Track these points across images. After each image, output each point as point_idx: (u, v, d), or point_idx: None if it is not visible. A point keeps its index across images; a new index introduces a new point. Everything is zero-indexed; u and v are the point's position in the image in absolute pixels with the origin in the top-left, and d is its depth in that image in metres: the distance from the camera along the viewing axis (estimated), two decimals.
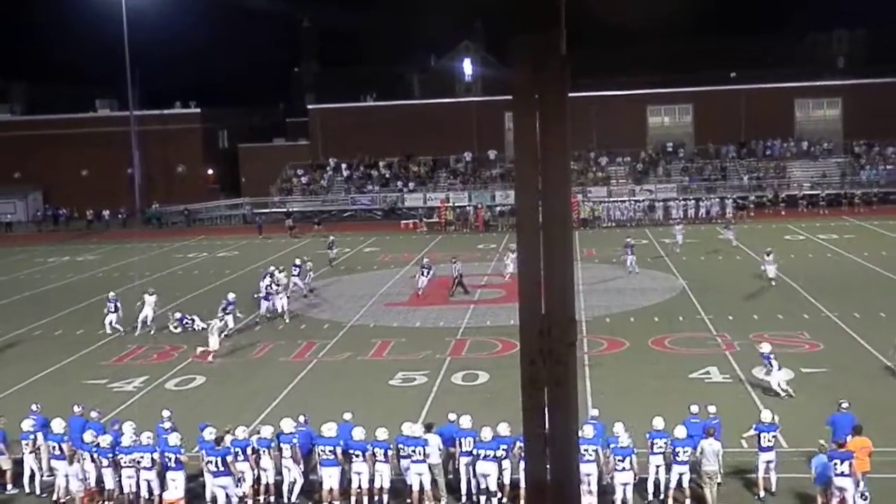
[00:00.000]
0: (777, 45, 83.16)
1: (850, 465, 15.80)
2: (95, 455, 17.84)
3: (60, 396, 23.74)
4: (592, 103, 67.18)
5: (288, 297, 34.72)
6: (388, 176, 74.07)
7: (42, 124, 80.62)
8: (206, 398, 24.82)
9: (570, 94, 3.41)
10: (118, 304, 32.83)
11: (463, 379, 25.83)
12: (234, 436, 18.04)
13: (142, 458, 17.61)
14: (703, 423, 17.66)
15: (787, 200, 64.52)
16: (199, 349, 29.08)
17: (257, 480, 18.05)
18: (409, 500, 17.42)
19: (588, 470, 16.53)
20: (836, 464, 15.85)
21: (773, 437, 17.29)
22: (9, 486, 19.12)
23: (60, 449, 18.43)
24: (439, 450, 17.56)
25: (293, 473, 17.80)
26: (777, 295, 35.25)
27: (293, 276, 37.87)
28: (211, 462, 17.38)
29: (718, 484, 16.99)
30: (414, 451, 17.32)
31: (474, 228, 61.24)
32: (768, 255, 37.20)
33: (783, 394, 22.38)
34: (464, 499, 17.60)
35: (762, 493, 17.06)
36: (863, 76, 75.23)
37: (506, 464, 17.26)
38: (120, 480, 17.73)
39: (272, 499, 17.91)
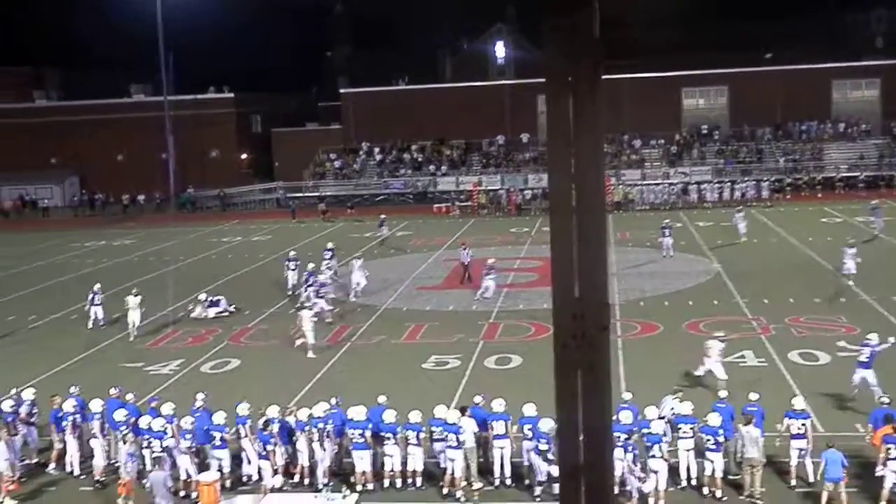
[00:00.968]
0: (814, 26, 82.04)
1: None
2: (129, 435, 18.03)
3: (98, 379, 24.02)
4: (626, 85, 66.71)
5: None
6: (420, 160, 74.03)
7: (78, 110, 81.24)
8: (241, 381, 25.00)
9: (604, 77, 3.39)
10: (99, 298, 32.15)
11: (496, 363, 25.85)
12: (267, 416, 18.24)
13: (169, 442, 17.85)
14: (729, 409, 17.54)
15: (823, 183, 63.81)
16: (298, 341, 27.77)
17: (292, 462, 18.20)
18: (441, 484, 17.48)
19: (621, 455, 16.52)
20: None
21: (803, 424, 17.10)
22: (51, 466, 19.38)
23: (101, 429, 18.73)
24: (473, 434, 17.59)
25: (324, 455, 17.89)
26: (814, 278, 34.91)
27: (326, 260, 37.40)
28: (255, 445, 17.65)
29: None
30: (447, 436, 17.35)
31: (507, 212, 61.11)
32: (851, 247, 33.50)
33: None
34: (496, 482, 17.62)
35: (794, 482, 16.91)
36: None
37: (531, 445, 17.26)
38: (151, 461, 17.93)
39: (306, 480, 18.04)
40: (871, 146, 69.57)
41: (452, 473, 17.28)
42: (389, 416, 17.89)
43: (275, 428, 17.99)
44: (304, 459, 18.09)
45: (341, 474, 18.15)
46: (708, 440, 16.75)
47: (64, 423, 19.17)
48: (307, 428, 18.01)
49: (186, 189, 74.77)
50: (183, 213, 70.15)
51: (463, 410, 18.03)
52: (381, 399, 18.85)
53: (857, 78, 74.26)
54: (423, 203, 66.72)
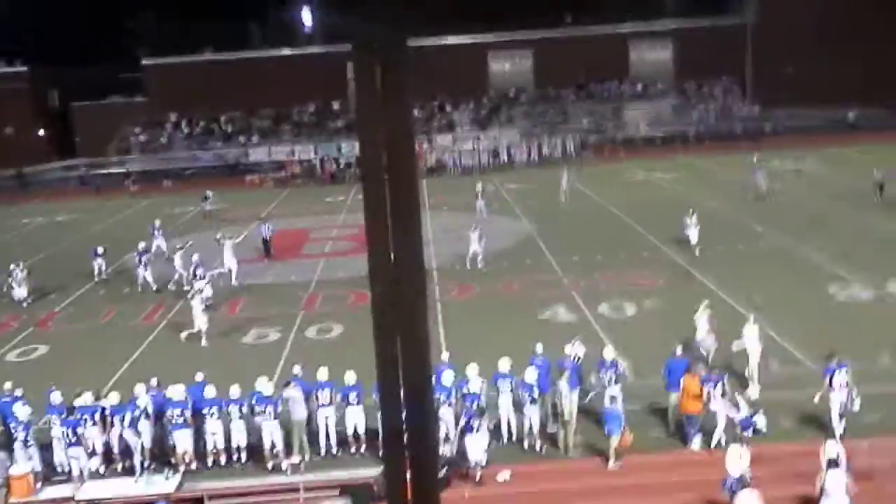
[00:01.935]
0: None
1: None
2: None
3: None
4: (434, 51, 67.25)
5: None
6: (230, 131, 72.53)
7: None
8: (50, 368, 23.96)
9: (411, 43, 3.41)
10: None
11: (317, 332, 25.79)
12: (83, 403, 17.56)
13: None
14: (545, 364, 18.07)
15: (624, 142, 66.51)
16: (184, 334, 26.00)
17: (108, 448, 17.64)
18: (264, 460, 17.32)
19: (446, 416, 16.85)
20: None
21: (615, 373, 17.78)
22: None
23: None
24: (303, 404, 17.50)
25: (141, 439, 17.41)
26: (618, 234, 36.40)
27: (154, 238, 36.39)
28: (63, 432, 16.89)
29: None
30: (267, 409, 17.21)
31: (321, 181, 60.77)
32: (692, 216, 32.28)
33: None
34: (323, 452, 17.63)
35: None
36: (692, 18, 77.64)
37: (357, 411, 17.41)
38: None
39: (127, 465, 17.52)
40: (666, 105, 72.95)
41: (273, 447, 17.18)
42: (211, 392, 17.59)
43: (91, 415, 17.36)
44: (121, 443, 17.55)
45: (162, 456, 17.72)
46: (524, 395, 17.25)
47: None
48: (125, 413, 17.48)
49: None
50: None
51: (287, 384, 17.91)
52: (199, 376, 18.50)
53: (652, 40, 77.55)
54: (235, 175, 65.42)
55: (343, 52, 68.76)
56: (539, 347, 18.69)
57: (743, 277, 27.79)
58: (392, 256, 3.45)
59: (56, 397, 17.86)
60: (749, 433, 15.92)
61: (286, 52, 79.11)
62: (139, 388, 18.00)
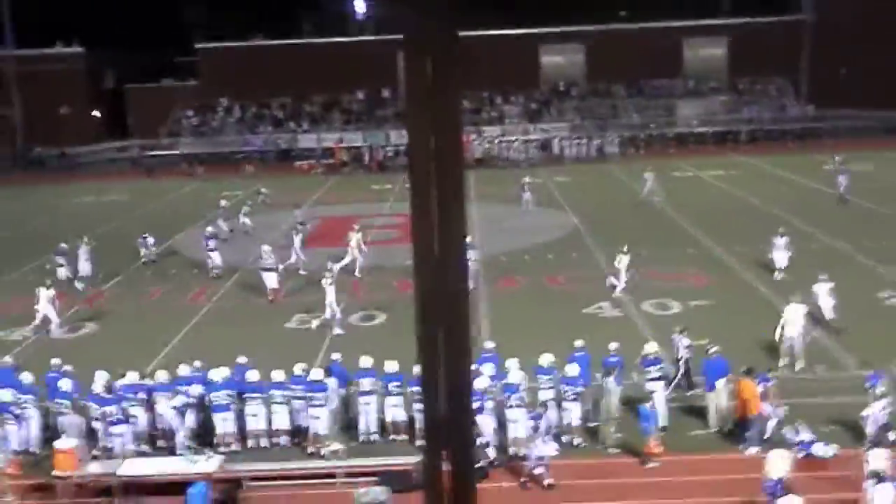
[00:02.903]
0: None
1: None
2: None
3: None
4: (485, 42, 67.08)
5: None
6: (280, 117, 72.98)
7: None
8: (97, 346, 24.31)
9: (462, 34, 3.42)
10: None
11: (361, 320, 25.89)
12: (129, 381, 17.82)
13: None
14: (586, 357, 17.98)
15: (675, 138, 65.96)
16: (315, 323, 25.34)
17: (153, 425, 17.88)
18: (304, 443, 17.44)
19: (489, 406, 16.83)
20: None
21: (660, 368, 17.70)
22: None
23: None
24: (337, 393, 17.62)
25: (184, 419, 17.63)
26: (666, 231, 36.12)
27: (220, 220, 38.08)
28: (107, 410, 17.14)
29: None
30: (310, 395, 17.31)
31: (369, 169, 60.95)
32: (781, 237, 28.52)
33: None
34: (362, 437, 17.72)
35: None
36: (747, 15, 76.73)
37: (398, 400, 17.48)
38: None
39: (169, 444, 17.74)
40: (718, 103, 72.12)
41: (316, 432, 17.27)
42: (253, 376, 17.76)
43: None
44: (164, 422, 17.78)
45: (203, 435, 17.92)
46: (566, 391, 17.18)
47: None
48: (168, 391, 17.72)
49: (34, 148, 71.65)
50: (31, 173, 67.25)
51: (327, 371, 18.01)
52: (242, 360, 18.67)
53: (706, 36, 76.67)
54: (286, 161, 65.85)
55: (393, 41, 68.88)
56: (579, 342, 18.62)
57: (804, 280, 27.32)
58: (436, 247, 3.47)
59: (101, 376, 18.08)
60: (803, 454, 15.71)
61: (337, 39, 79.27)
62: (183, 369, 18.25)
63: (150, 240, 34.28)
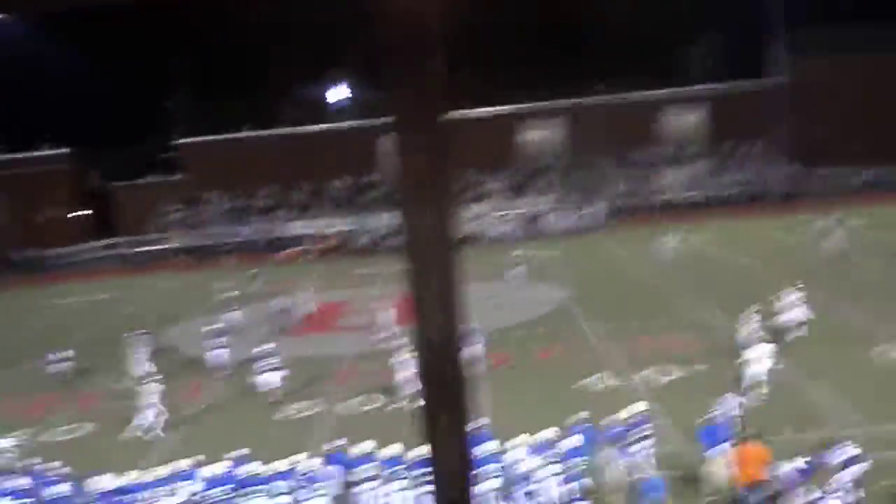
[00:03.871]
0: (641, 57, 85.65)
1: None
2: None
3: None
4: (467, 121, 67.96)
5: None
6: (266, 206, 73.41)
7: None
8: (95, 446, 24.01)
9: (448, 117, 3.46)
10: None
11: (357, 405, 25.69)
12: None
13: None
14: (592, 430, 17.86)
15: (662, 206, 66.54)
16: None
17: None
18: None
19: (491, 486, 16.63)
20: None
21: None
22: None
23: None
24: (338, 481, 17.36)
25: None
26: (658, 298, 36.18)
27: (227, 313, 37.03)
28: None
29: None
30: (309, 485, 17.05)
31: (356, 254, 61.11)
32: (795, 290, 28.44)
33: None
34: None
35: None
36: (725, 80, 78.16)
37: (401, 485, 17.24)
38: None
39: None
40: (701, 168, 72.93)
41: None
42: (252, 468, 17.52)
43: None
44: None
45: None
46: (573, 461, 17.02)
47: None
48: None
49: (23, 250, 71.65)
50: (21, 276, 67.17)
51: (326, 459, 17.78)
52: (242, 451, 18.44)
53: (685, 103, 77.87)
54: (272, 249, 66.00)
55: (376, 126, 69.77)
56: (581, 415, 18.51)
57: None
58: (437, 330, 3.47)
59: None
60: None
61: (319, 126, 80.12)
62: (182, 464, 18.01)
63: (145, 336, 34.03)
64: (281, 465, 17.57)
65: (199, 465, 18.26)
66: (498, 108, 75.26)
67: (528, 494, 16.56)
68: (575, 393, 24.26)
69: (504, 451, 17.20)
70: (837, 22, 70.64)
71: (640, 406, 18.34)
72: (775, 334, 25.30)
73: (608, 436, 17.64)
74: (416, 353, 3.57)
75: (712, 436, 17.45)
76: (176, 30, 69.37)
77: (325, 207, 72.67)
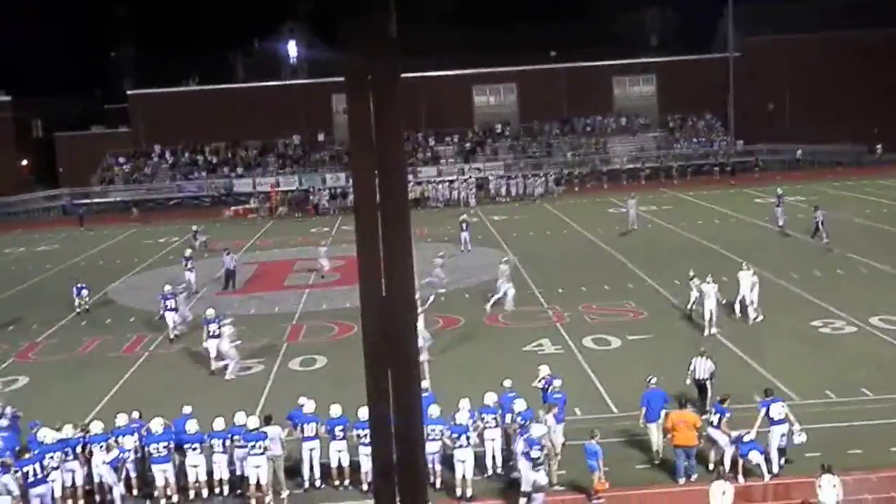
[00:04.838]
0: (593, 27, 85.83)
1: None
2: None
3: None
4: (420, 84, 67.60)
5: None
6: (214, 162, 72.52)
7: None
8: (31, 399, 23.72)
9: (403, 76, 3.42)
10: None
11: (301, 364, 25.64)
12: (64, 435, 17.34)
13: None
14: (510, 396, 17.96)
15: (608, 175, 66.92)
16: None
17: (89, 479, 17.41)
18: (248, 494, 17.13)
19: (433, 448, 16.75)
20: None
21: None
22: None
23: None
24: (280, 441, 17.33)
25: (123, 472, 17.22)
26: (603, 266, 36.47)
27: (186, 270, 35.39)
28: (30, 469, 16.42)
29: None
30: (253, 445, 17.00)
31: (306, 212, 60.75)
32: (747, 269, 27.62)
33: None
34: (306, 485, 17.49)
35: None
36: (674, 53, 78.66)
37: (342, 445, 17.27)
38: None
39: (108, 499, 17.30)
40: (650, 139, 73.45)
41: (258, 481, 16.97)
42: (192, 426, 17.39)
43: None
44: (101, 477, 17.34)
45: (143, 489, 17.52)
46: (518, 424, 17.16)
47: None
48: (104, 442, 17.29)
49: None
50: None
51: (268, 420, 17.70)
52: (186, 409, 18.31)
53: (635, 74, 78.19)
54: (220, 206, 65.35)
55: (328, 84, 69.13)
56: (508, 382, 18.57)
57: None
58: (383, 289, 3.44)
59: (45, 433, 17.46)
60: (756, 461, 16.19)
61: (271, 83, 79.27)
62: (121, 420, 17.87)
63: (85, 290, 33.63)
64: (218, 423, 17.49)
65: (138, 421, 18.14)
66: (450, 71, 74.91)
67: (469, 457, 16.71)
68: (522, 357, 24.40)
69: (448, 415, 17.29)
70: None
71: (584, 371, 18.55)
72: (717, 305, 25.62)
73: (549, 400, 17.80)
74: (362, 314, 3.54)
75: (650, 402, 17.72)
76: None
77: (274, 165, 72.01)
